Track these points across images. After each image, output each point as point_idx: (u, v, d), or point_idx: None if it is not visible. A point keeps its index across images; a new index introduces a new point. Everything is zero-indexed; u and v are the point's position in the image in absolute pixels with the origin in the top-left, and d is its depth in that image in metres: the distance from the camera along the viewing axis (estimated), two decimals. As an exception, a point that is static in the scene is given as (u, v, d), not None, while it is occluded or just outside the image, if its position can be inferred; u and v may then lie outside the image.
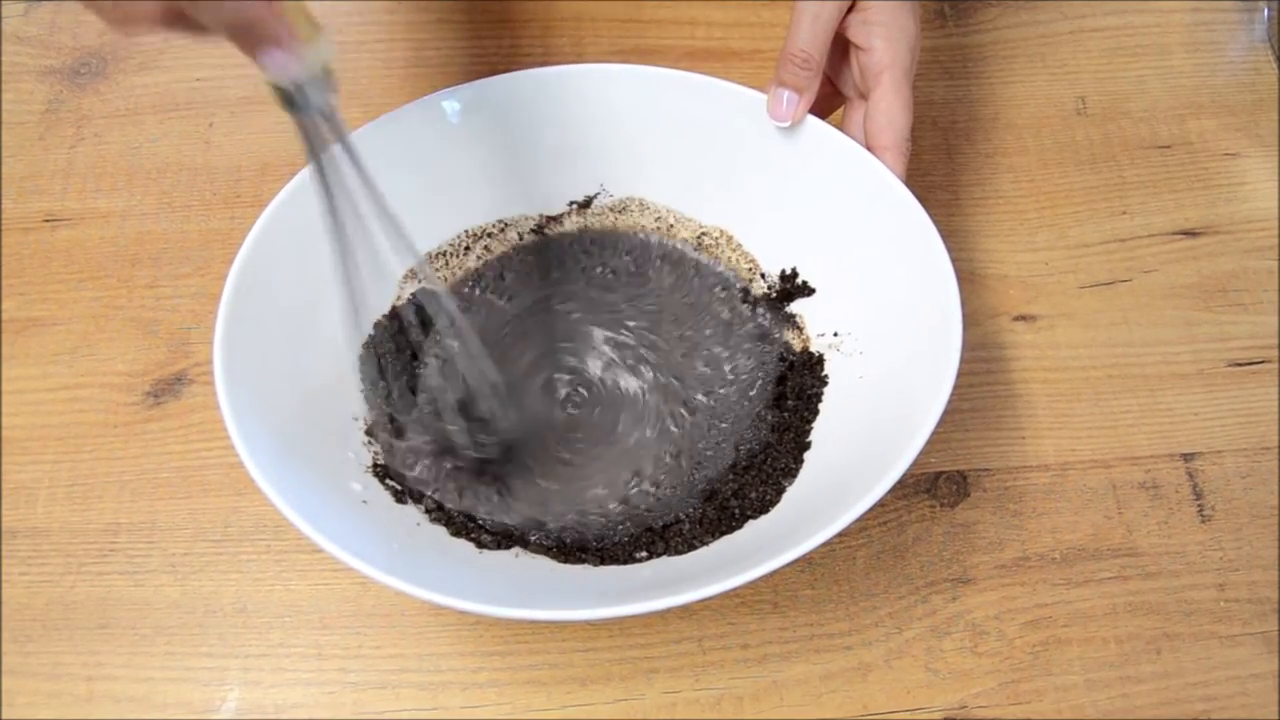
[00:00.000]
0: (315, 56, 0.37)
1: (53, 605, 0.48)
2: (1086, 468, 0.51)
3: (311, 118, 0.39)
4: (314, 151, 0.40)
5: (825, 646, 0.47)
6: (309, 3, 0.38)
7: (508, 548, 0.46)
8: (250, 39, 0.35)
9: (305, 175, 0.47)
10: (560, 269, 0.54)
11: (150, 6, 0.34)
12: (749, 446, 0.49)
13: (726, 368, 0.52)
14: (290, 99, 0.38)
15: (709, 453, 0.49)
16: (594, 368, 0.52)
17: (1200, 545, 0.50)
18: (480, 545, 0.46)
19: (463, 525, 0.46)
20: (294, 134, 0.39)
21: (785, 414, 0.50)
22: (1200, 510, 0.50)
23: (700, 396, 0.51)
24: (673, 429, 0.50)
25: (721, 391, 0.51)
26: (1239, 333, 0.55)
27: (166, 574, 0.49)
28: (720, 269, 0.54)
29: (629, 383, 0.51)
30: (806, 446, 0.48)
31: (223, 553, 0.49)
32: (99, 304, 0.56)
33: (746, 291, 0.54)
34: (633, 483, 0.48)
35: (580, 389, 0.51)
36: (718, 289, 0.54)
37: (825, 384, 0.49)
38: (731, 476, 0.48)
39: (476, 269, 0.54)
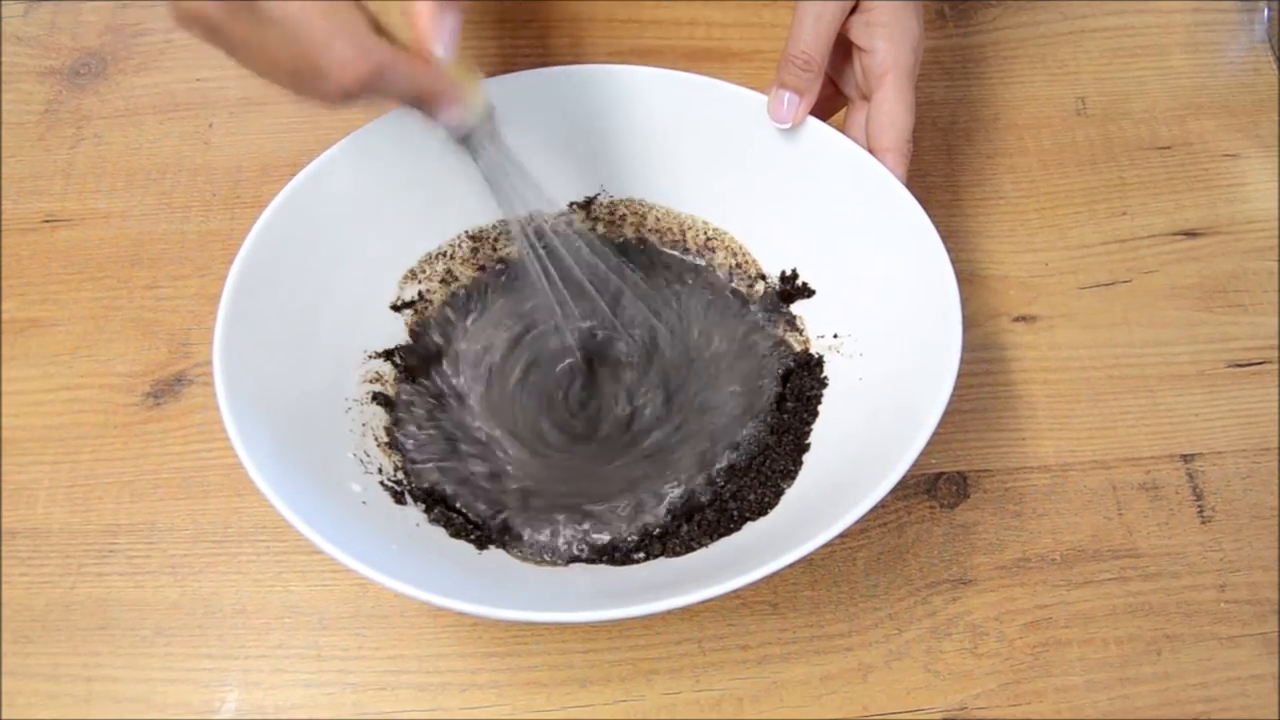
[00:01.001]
0: (481, 100, 0.43)
1: (52, 606, 0.48)
2: (1087, 468, 0.51)
3: (481, 149, 0.45)
4: (488, 177, 0.46)
5: (825, 648, 0.47)
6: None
7: (504, 546, 0.46)
8: (430, 103, 0.41)
9: (304, 176, 0.47)
10: (560, 271, 0.54)
11: (350, 84, 0.38)
12: (748, 448, 0.49)
13: (726, 369, 0.51)
14: (464, 138, 0.44)
15: (709, 454, 0.49)
16: (593, 369, 0.52)
17: (1200, 546, 0.50)
18: (480, 546, 0.46)
19: (462, 526, 0.46)
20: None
21: (785, 415, 0.50)
22: (1200, 511, 0.50)
23: (700, 398, 0.51)
24: (673, 429, 0.50)
25: (721, 393, 0.51)
26: (1239, 333, 0.55)
27: (166, 575, 0.49)
28: (720, 270, 0.54)
29: (628, 382, 0.51)
30: (805, 448, 0.48)
31: (222, 554, 0.49)
32: (99, 304, 0.56)
33: (747, 293, 0.54)
34: (634, 484, 0.48)
35: (580, 390, 0.51)
36: (716, 290, 0.54)
37: (825, 386, 0.49)
38: (730, 478, 0.48)
39: (475, 277, 0.54)
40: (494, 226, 0.54)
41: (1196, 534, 0.50)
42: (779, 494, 0.46)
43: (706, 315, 0.53)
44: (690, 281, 0.54)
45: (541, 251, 0.49)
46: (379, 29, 0.38)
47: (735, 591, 0.37)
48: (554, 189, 0.54)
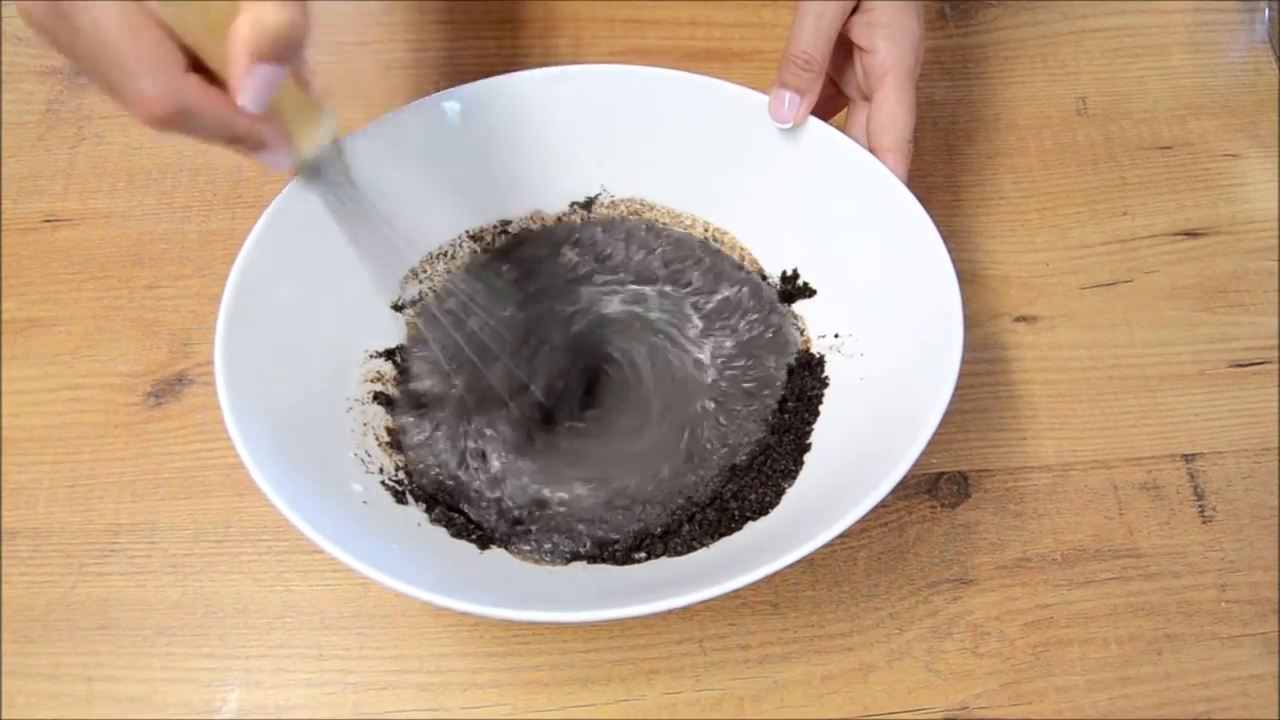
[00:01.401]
0: (319, 136, 0.41)
1: (53, 606, 0.48)
2: (1088, 468, 0.51)
3: (328, 186, 0.42)
4: (339, 210, 0.44)
5: (826, 647, 0.47)
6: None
7: (506, 545, 0.46)
8: (245, 147, 0.39)
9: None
10: (563, 268, 0.54)
11: (153, 119, 0.36)
12: (749, 447, 0.49)
13: (726, 368, 0.51)
14: (311, 177, 0.42)
15: (710, 454, 0.49)
16: (593, 366, 0.52)
17: (1201, 546, 0.50)
18: (481, 546, 0.45)
19: (463, 526, 0.46)
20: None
21: (785, 415, 0.50)
22: (1201, 511, 0.50)
23: (701, 397, 0.51)
24: (674, 430, 0.50)
25: (723, 392, 0.51)
26: (1240, 333, 0.55)
27: (167, 575, 0.49)
28: (721, 270, 0.54)
29: (630, 381, 0.51)
30: (806, 448, 0.48)
31: (224, 553, 0.49)
32: (99, 304, 0.56)
33: (748, 292, 0.53)
34: (635, 485, 0.48)
35: (581, 388, 0.51)
36: (717, 290, 0.54)
37: (826, 385, 0.49)
38: (731, 478, 0.48)
39: (479, 266, 0.54)
40: (495, 226, 0.54)
41: (1197, 534, 0.50)
42: (780, 493, 0.46)
43: (705, 314, 0.53)
44: (689, 281, 0.54)
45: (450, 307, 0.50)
46: (195, 65, 0.36)
47: (736, 591, 0.37)
48: (555, 188, 0.54)
